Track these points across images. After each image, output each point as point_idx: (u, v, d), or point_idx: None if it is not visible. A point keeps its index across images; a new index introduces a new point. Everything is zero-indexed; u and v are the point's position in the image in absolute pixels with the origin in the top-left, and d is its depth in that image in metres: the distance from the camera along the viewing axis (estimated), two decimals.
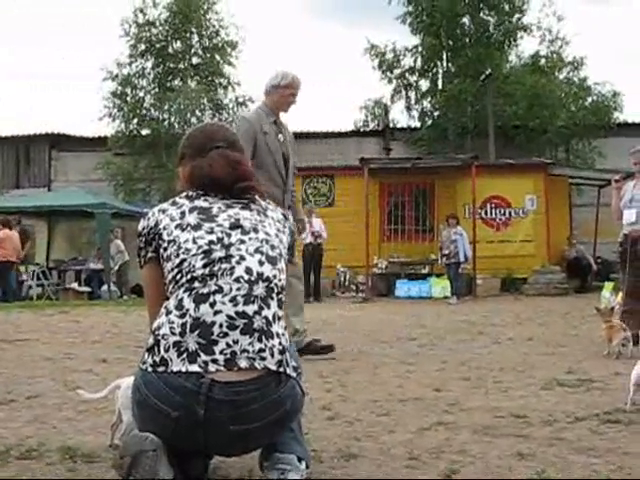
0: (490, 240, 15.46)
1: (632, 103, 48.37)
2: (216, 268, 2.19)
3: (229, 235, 2.26)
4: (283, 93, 5.41)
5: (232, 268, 2.20)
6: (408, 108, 22.39)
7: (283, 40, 55.69)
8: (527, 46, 34.47)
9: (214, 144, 2.46)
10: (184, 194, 2.41)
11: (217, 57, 21.31)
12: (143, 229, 2.35)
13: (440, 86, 21.90)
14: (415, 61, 22.19)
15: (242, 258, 2.23)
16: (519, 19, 21.66)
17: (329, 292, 15.10)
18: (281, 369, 2.17)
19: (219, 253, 2.22)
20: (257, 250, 2.27)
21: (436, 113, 21.78)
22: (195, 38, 21.35)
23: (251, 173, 2.48)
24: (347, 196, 15.90)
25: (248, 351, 2.12)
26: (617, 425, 3.22)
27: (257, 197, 2.45)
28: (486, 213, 15.78)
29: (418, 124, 21.90)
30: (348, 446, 2.90)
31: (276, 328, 2.21)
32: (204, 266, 2.19)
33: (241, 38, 21.39)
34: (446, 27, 20.97)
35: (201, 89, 20.41)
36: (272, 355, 2.16)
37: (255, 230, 2.32)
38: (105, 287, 15.75)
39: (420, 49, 21.79)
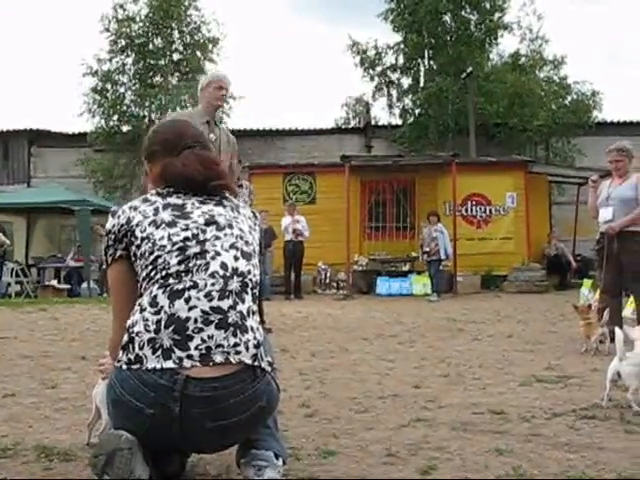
0: (470, 237, 15.51)
1: (611, 102, 48.88)
2: (191, 264, 2.19)
3: (204, 231, 2.26)
4: (210, 90, 5.70)
5: (207, 264, 2.20)
6: (390, 106, 22.46)
7: (265, 37, 55.64)
8: (508, 44, 34.74)
9: (186, 143, 2.46)
10: (155, 191, 2.40)
11: (198, 54, 21.20)
12: (113, 227, 2.32)
13: (422, 84, 21.95)
14: (397, 59, 22.24)
15: (217, 254, 2.23)
16: (500, 17, 21.75)
17: (310, 289, 15.08)
18: (256, 363, 2.17)
19: (194, 249, 2.21)
20: (232, 246, 2.27)
21: (417, 111, 21.83)
22: (176, 34, 21.20)
23: (225, 172, 2.49)
24: (328, 193, 15.88)
25: (223, 346, 2.12)
26: (593, 421, 3.25)
27: (228, 194, 2.45)
28: (467, 210, 15.83)
29: (399, 122, 21.94)
30: (326, 443, 2.91)
31: (250, 322, 2.21)
32: (179, 262, 2.19)
33: (222, 34, 21.30)
34: (428, 25, 21.00)
35: (182, 86, 20.29)
36: (247, 349, 2.16)
37: (230, 226, 2.32)
38: (85, 284, 15.62)
39: (402, 47, 21.82)
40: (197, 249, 2.21)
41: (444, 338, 6.79)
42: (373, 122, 22.92)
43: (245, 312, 2.20)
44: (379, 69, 22.30)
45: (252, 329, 2.20)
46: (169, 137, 2.51)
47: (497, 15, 21.68)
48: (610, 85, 49.13)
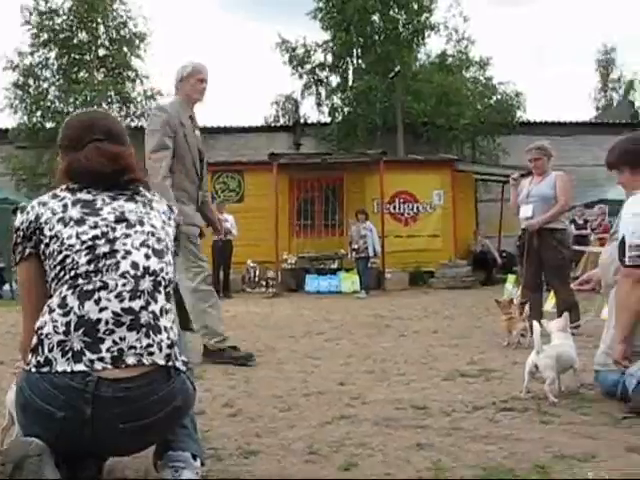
0: (399, 235, 15.69)
1: (534, 102, 50.26)
2: (101, 264, 2.12)
3: (114, 229, 2.20)
4: (191, 82, 5.23)
5: (117, 263, 2.14)
6: (318, 104, 22.56)
7: (193, 33, 55.04)
8: (435, 45, 35.32)
9: (92, 136, 2.38)
10: (64, 186, 2.32)
11: (125, 49, 20.77)
12: (22, 223, 2.24)
13: (350, 82, 22.09)
14: (325, 57, 22.35)
15: (128, 252, 2.17)
16: (427, 18, 22.08)
17: (239, 288, 14.99)
18: (170, 363, 2.13)
19: (103, 248, 2.15)
20: (143, 244, 2.22)
21: (346, 109, 21.95)
22: (102, 29, 20.72)
23: (133, 165, 2.40)
24: (257, 191, 15.81)
25: (135, 347, 2.07)
26: (512, 413, 3.31)
27: (142, 188, 2.39)
28: (395, 208, 16.01)
29: (328, 120, 22.02)
30: (248, 443, 2.88)
31: (164, 322, 2.17)
32: (88, 262, 2.12)
33: (149, 30, 20.95)
34: (356, 24, 21.14)
35: (108, 82, 19.87)
36: (160, 350, 2.11)
37: (141, 223, 2.26)
38: (7, 286, 15.11)
39: (331, 45, 21.92)
40: (107, 248, 2.15)
41: (371, 335, 6.83)
42: (302, 120, 22.95)
43: (158, 312, 2.15)
44: (308, 67, 22.36)
45: (165, 329, 2.16)
46: (76, 130, 2.43)
47: (424, 16, 22.01)
48: (534, 86, 50.59)
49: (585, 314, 6.20)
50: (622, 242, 3.28)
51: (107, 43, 20.92)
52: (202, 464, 2.32)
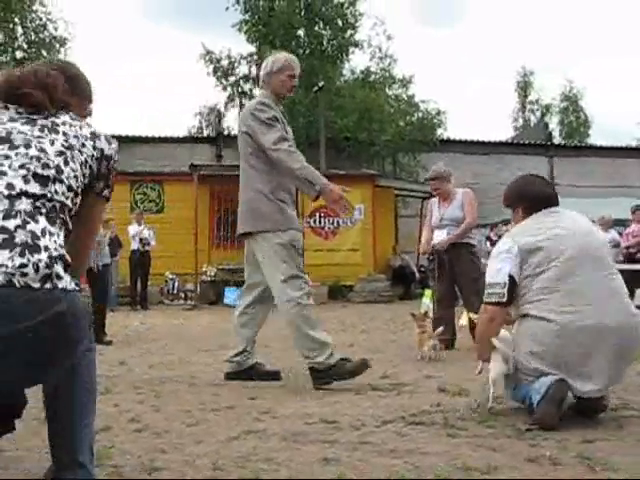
0: (319, 249, 15.75)
1: (455, 121, 51.52)
2: None
3: None
4: (282, 77, 4.83)
5: None
6: None
7: (116, 40, 54.18)
8: (359, 61, 35.80)
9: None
10: None
11: (44, 52, 20.24)
12: None
13: None
14: (250, 69, 22.30)
15: (3, 173, 2.05)
16: (351, 35, 22.36)
17: (157, 300, 14.76)
18: (48, 285, 1.96)
19: None
20: (23, 166, 2.09)
21: None
22: (19, 30, 20.16)
23: (28, 79, 2.27)
24: (177, 202, 15.64)
25: (7, 266, 1.91)
26: (420, 427, 3.33)
27: (61, 113, 2.29)
28: (315, 222, 16.08)
29: None
30: (152, 459, 2.80)
31: (46, 242, 2.00)
32: None
33: (70, 35, 20.51)
34: (282, 38, 21.21)
35: None
36: (37, 270, 1.95)
37: (27, 146, 2.13)
38: None
39: (256, 58, 21.90)
40: None
41: (286, 348, 6.77)
42: (226, 132, 22.82)
43: (39, 232, 2.00)
44: (232, 79, 22.28)
45: (47, 249, 1.99)
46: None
47: (349, 32, 22.28)
48: (455, 105, 51.90)
49: None
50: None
51: (25, 45, 20.36)
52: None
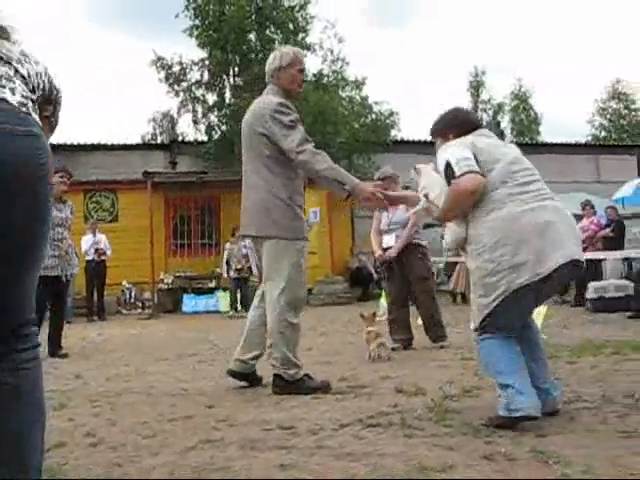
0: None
1: (407, 121, 51.96)
2: None
3: None
4: (292, 72, 4.69)
5: None
6: (195, 122, 22.27)
7: (63, 46, 53.37)
8: (311, 64, 35.84)
9: None
10: None
11: None
12: None
13: (227, 100, 22.01)
14: (202, 75, 22.13)
15: None
16: (303, 38, 22.34)
17: (115, 310, 14.57)
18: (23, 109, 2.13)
19: None
20: None
21: (223, 127, 21.84)
22: None
23: None
24: (131, 211, 15.48)
25: None
26: (377, 428, 3.35)
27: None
28: None
29: (205, 137, 21.82)
30: (108, 473, 2.77)
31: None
32: None
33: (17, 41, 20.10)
34: (233, 42, 21.10)
35: None
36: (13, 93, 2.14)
37: None
38: None
39: (207, 63, 21.77)
40: None
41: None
42: (180, 138, 22.64)
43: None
44: (184, 85, 22.09)
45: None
46: None
47: (300, 36, 22.26)
48: (408, 105, 52.31)
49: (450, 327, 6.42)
50: (448, 166, 3.40)
51: None
52: None
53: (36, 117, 2.17)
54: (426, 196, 3.62)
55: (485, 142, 3.52)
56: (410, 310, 6.94)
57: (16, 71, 2.22)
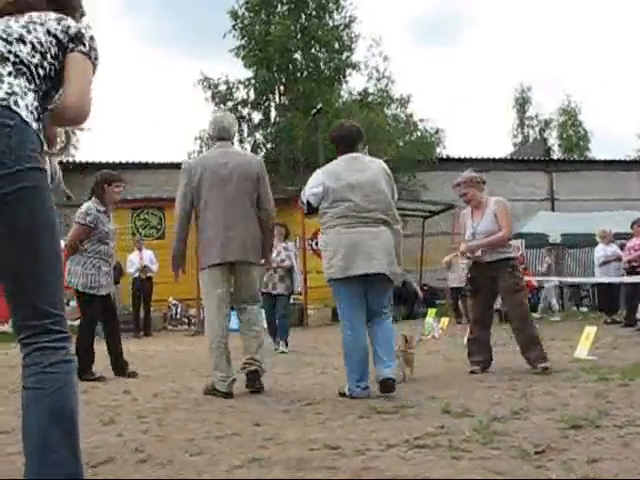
0: (320, 270, 15.64)
1: (453, 139, 51.79)
2: None
3: None
4: None
5: None
6: (240, 140, 22.54)
7: (117, 68, 54.54)
8: (356, 83, 36.04)
9: None
10: None
11: None
12: None
13: (272, 119, 22.23)
14: (248, 94, 22.43)
15: None
16: (348, 57, 22.50)
17: (161, 326, 14.73)
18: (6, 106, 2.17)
19: None
20: None
21: (268, 145, 22.04)
22: None
23: None
24: None
25: None
26: (425, 450, 3.31)
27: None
28: (317, 244, 16.05)
29: None
30: None
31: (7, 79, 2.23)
32: None
33: None
34: (279, 61, 21.37)
35: None
36: None
37: None
38: None
39: (253, 82, 22.04)
40: None
41: (289, 372, 6.79)
42: None
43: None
44: (230, 104, 22.38)
45: (8, 83, 2.23)
46: None
47: (345, 54, 22.43)
48: (454, 122, 52.15)
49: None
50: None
51: None
52: None
53: (19, 110, 2.18)
54: None
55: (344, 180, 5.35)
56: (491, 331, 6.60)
57: (8, 59, 2.28)
